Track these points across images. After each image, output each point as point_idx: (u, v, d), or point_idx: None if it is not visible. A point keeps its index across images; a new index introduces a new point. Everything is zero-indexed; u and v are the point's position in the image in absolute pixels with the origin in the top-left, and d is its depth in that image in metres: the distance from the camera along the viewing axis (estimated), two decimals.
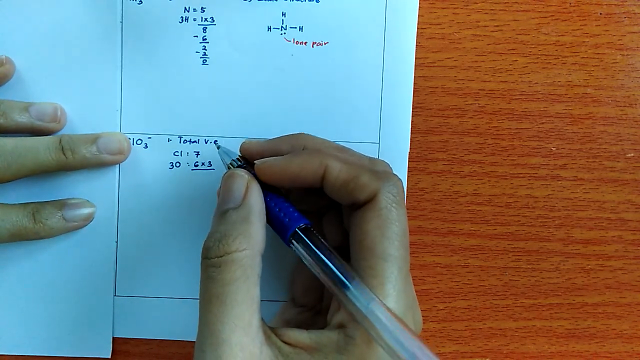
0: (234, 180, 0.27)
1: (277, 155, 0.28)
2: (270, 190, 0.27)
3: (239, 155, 0.30)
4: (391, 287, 0.25)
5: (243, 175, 0.27)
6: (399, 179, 0.27)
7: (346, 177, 0.26)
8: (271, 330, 0.25)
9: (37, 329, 0.33)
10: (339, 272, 0.25)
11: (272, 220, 0.27)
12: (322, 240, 0.26)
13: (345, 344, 0.24)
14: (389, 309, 0.23)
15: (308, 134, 0.30)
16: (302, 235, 0.26)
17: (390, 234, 0.25)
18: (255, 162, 0.28)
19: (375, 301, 0.24)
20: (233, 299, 0.24)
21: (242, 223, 0.25)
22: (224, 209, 0.26)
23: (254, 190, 0.26)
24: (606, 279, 0.35)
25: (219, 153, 0.31)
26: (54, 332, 0.34)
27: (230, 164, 0.29)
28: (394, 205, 0.26)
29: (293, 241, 0.26)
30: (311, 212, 0.29)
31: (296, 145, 0.29)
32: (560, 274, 0.35)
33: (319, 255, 0.25)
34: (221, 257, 0.24)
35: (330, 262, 0.25)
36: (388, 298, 0.24)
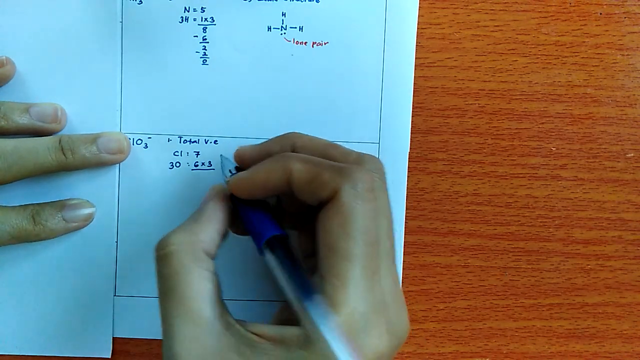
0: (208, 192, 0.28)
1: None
2: (251, 203, 0.27)
3: (236, 165, 0.30)
4: (353, 288, 0.24)
5: (215, 186, 0.28)
6: (370, 172, 0.26)
7: (308, 177, 0.25)
8: (237, 322, 0.25)
9: (37, 329, 0.33)
10: (297, 286, 0.24)
11: (249, 233, 0.27)
12: (292, 252, 0.25)
13: (308, 340, 0.24)
14: (339, 331, 0.23)
15: (299, 133, 0.29)
16: (269, 247, 0.26)
17: (352, 232, 0.24)
18: (227, 180, 0.28)
19: (325, 323, 0.23)
20: (178, 292, 0.24)
21: (189, 221, 0.27)
22: None
23: (213, 197, 0.27)
24: (606, 279, 0.35)
25: (220, 162, 0.31)
26: (54, 332, 0.34)
27: (225, 174, 0.30)
28: (358, 200, 0.24)
29: (264, 253, 0.26)
30: (300, 215, 0.29)
31: (285, 145, 0.29)
32: (560, 274, 0.35)
33: (280, 269, 0.25)
34: (162, 250, 0.25)
35: (291, 276, 0.24)
36: (349, 301, 0.24)
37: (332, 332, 0.22)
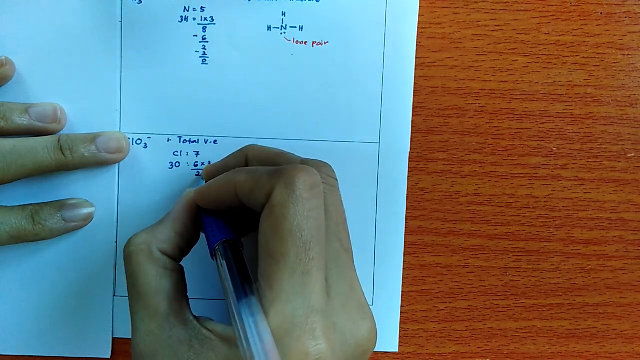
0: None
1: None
2: (214, 212, 0.28)
3: None
4: (280, 289, 0.23)
5: (188, 191, 0.29)
6: (309, 170, 0.25)
7: (251, 186, 0.25)
8: (196, 318, 0.26)
9: (37, 329, 0.33)
10: (234, 288, 0.24)
11: (206, 238, 0.28)
12: (240, 257, 0.26)
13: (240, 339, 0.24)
14: (263, 332, 0.22)
15: (253, 145, 0.31)
16: (218, 251, 0.26)
17: (282, 232, 0.23)
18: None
19: (250, 323, 0.23)
20: (136, 290, 0.26)
21: (154, 223, 0.28)
22: None
23: (180, 201, 0.29)
24: (607, 279, 0.35)
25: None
26: (54, 332, 0.33)
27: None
28: (291, 199, 0.24)
29: (213, 256, 0.27)
30: None
31: (240, 158, 0.30)
32: (561, 274, 0.35)
33: (222, 271, 0.25)
34: (125, 251, 0.27)
35: (232, 278, 0.24)
36: (275, 302, 0.23)
37: (253, 333, 0.22)
